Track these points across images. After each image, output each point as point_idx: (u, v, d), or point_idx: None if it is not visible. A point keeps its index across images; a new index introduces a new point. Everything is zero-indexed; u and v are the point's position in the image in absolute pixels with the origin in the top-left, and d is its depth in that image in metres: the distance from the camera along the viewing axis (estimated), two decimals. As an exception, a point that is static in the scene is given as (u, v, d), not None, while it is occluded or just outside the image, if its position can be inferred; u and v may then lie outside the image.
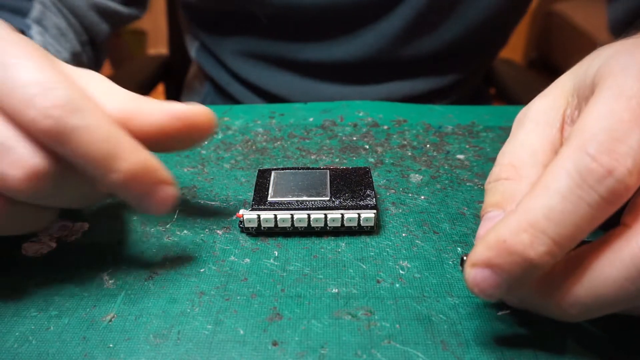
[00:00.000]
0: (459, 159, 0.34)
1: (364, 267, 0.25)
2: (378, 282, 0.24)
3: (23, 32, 0.40)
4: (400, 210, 0.29)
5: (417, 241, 0.27)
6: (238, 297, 0.24)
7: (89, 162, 0.20)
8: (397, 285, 0.24)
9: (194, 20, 0.58)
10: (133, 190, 0.21)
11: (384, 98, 0.53)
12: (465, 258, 0.20)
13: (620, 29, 0.50)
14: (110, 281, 0.25)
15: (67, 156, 0.20)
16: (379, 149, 0.35)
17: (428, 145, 0.36)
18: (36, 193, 0.20)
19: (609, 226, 0.19)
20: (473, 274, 0.19)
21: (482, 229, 0.21)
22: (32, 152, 0.20)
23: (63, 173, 0.21)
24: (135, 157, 0.21)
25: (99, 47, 0.52)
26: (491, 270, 0.18)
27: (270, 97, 0.56)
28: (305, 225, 0.27)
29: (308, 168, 0.29)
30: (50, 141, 0.19)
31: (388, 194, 0.31)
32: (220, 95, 0.60)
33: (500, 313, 0.23)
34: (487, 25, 0.51)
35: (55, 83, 0.19)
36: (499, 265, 0.18)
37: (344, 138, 0.37)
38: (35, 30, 0.41)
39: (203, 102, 0.24)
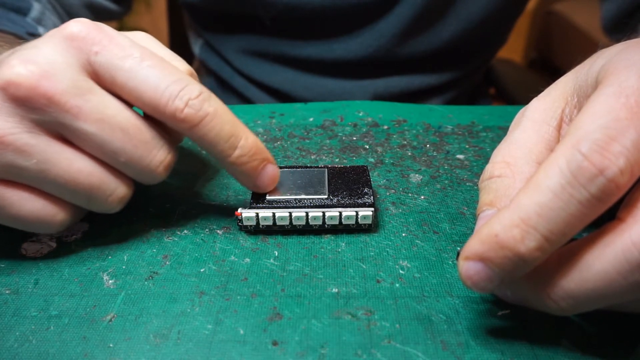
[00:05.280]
0: (458, 159, 0.34)
1: (364, 267, 0.25)
2: (378, 282, 0.24)
3: (32, 34, 0.40)
4: (400, 210, 0.29)
5: (417, 241, 0.27)
6: (238, 297, 0.24)
7: (217, 142, 0.24)
8: (397, 285, 0.24)
9: (197, 20, 0.59)
10: (249, 166, 0.25)
11: (382, 92, 0.54)
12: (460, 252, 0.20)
13: (613, 28, 0.50)
14: (110, 281, 0.25)
15: (199, 139, 0.24)
16: (379, 149, 0.35)
17: (428, 145, 0.36)
18: (162, 178, 0.25)
19: (605, 221, 0.19)
20: (466, 267, 0.19)
21: (477, 229, 0.22)
22: (169, 148, 0.25)
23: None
24: (251, 136, 0.25)
25: None
26: (483, 264, 0.19)
27: (272, 92, 0.57)
28: (304, 223, 0.27)
29: (306, 166, 0.29)
30: (188, 126, 0.23)
31: (388, 193, 0.31)
32: (224, 90, 0.61)
33: (500, 313, 0.23)
34: (484, 24, 0.51)
35: (188, 79, 0.24)
36: (490, 259, 0.19)
37: (344, 138, 0.37)
38: (41, 31, 0.42)
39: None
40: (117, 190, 0.24)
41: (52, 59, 0.22)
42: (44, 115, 0.22)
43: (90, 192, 0.24)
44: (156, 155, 0.24)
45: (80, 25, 0.23)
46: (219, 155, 0.25)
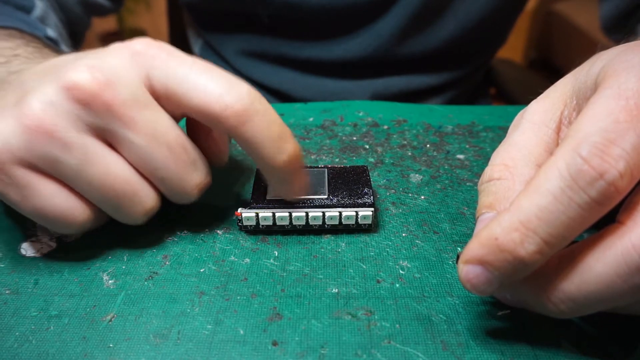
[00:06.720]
0: (459, 159, 0.34)
1: (364, 267, 0.25)
2: (378, 282, 0.24)
3: (49, 37, 0.41)
4: (400, 210, 0.29)
5: (417, 241, 0.27)
6: (238, 297, 0.24)
7: (265, 142, 0.24)
8: (397, 285, 0.24)
9: (197, 20, 0.59)
10: (290, 171, 0.25)
11: (381, 92, 0.54)
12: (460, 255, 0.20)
13: (612, 28, 0.50)
14: (110, 281, 0.25)
15: (247, 139, 0.23)
16: (379, 149, 0.35)
17: (428, 145, 0.36)
18: (193, 200, 0.26)
19: (605, 224, 0.19)
20: (465, 270, 0.19)
21: (476, 232, 0.22)
22: (207, 172, 0.26)
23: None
24: (294, 141, 0.25)
25: (79, 42, 0.53)
26: (483, 267, 0.19)
27: (272, 92, 0.57)
28: (304, 223, 0.27)
29: (306, 166, 0.29)
30: (236, 123, 0.23)
31: (388, 193, 0.31)
32: None
33: (500, 313, 0.23)
34: (482, 24, 0.51)
35: (238, 80, 0.24)
36: (490, 263, 0.19)
37: (344, 138, 0.37)
38: (49, 32, 0.42)
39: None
40: (145, 201, 0.25)
41: (116, 70, 0.23)
42: (99, 120, 0.23)
43: (121, 199, 0.24)
44: (194, 177, 0.25)
45: (144, 43, 0.24)
46: (264, 157, 0.24)
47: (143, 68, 0.24)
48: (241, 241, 0.27)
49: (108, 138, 0.24)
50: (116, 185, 0.24)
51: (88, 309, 0.23)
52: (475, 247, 0.19)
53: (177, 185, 0.25)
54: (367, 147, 0.36)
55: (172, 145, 0.24)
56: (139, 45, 0.24)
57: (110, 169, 0.23)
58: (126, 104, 0.23)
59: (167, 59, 0.24)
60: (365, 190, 0.27)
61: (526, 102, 0.25)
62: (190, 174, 0.25)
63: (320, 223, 0.27)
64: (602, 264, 0.18)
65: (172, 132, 0.24)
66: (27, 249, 0.27)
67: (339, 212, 0.26)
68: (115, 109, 0.22)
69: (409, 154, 0.35)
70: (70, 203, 0.24)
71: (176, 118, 0.25)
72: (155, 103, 0.24)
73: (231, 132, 0.24)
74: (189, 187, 0.25)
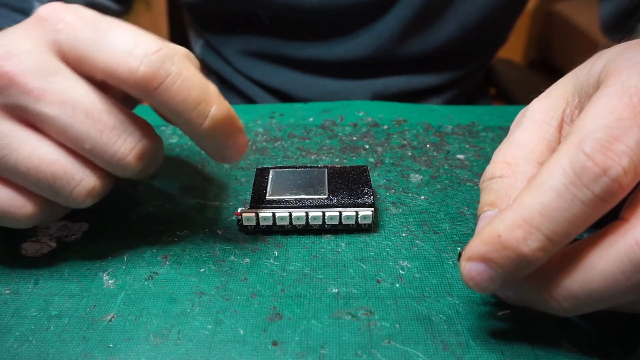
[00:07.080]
0: (459, 159, 0.34)
1: (364, 267, 0.25)
2: (378, 282, 0.24)
3: None
4: (400, 210, 0.29)
5: (417, 241, 0.27)
6: (238, 297, 0.24)
7: (184, 109, 0.21)
8: (397, 285, 0.24)
9: (198, 20, 0.59)
10: (219, 136, 0.23)
11: (381, 92, 0.54)
12: (462, 253, 0.20)
13: (612, 28, 0.50)
14: (110, 281, 0.25)
15: (163, 106, 0.21)
16: (379, 149, 0.35)
17: (428, 145, 0.36)
18: (136, 170, 0.23)
19: (608, 221, 0.19)
20: (468, 267, 0.19)
21: (478, 229, 0.22)
22: (142, 136, 0.23)
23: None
24: (221, 101, 0.23)
25: None
26: (486, 265, 0.19)
27: (273, 92, 0.57)
28: (304, 223, 0.27)
29: (306, 166, 0.29)
30: (147, 89, 0.21)
31: (388, 193, 0.31)
32: (225, 88, 0.61)
33: (500, 313, 0.23)
34: (482, 24, 0.52)
35: (150, 36, 0.21)
36: (493, 260, 0.18)
37: (344, 138, 0.37)
38: None
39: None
40: (84, 181, 0.23)
41: (17, 40, 0.22)
42: (6, 97, 0.21)
43: (54, 182, 0.22)
44: (124, 142, 0.22)
45: (48, 8, 0.23)
46: (187, 125, 0.22)
47: (48, 34, 0.22)
48: (241, 241, 0.27)
49: (26, 118, 0.22)
50: (43, 167, 0.22)
51: (88, 309, 0.23)
52: (477, 245, 0.19)
53: (107, 154, 0.22)
54: (367, 147, 0.36)
55: (89, 110, 0.22)
56: (44, 10, 0.22)
57: (33, 151, 0.22)
58: (30, 73, 0.21)
59: (74, 21, 0.22)
60: (365, 190, 0.27)
61: (526, 102, 0.25)
62: (119, 139, 0.22)
63: (320, 223, 0.27)
64: (605, 262, 0.18)
65: (87, 97, 0.22)
66: (27, 249, 0.27)
67: (339, 212, 0.26)
68: (17, 80, 0.21)
69: (409, 154, 0.35)
70: (8, 196, 0.23)
71: (98, 84, 0.23)
72: (65, 69, 0.22)
73: (145, 98, 0.22)
74: (121, 155, 0.22)
